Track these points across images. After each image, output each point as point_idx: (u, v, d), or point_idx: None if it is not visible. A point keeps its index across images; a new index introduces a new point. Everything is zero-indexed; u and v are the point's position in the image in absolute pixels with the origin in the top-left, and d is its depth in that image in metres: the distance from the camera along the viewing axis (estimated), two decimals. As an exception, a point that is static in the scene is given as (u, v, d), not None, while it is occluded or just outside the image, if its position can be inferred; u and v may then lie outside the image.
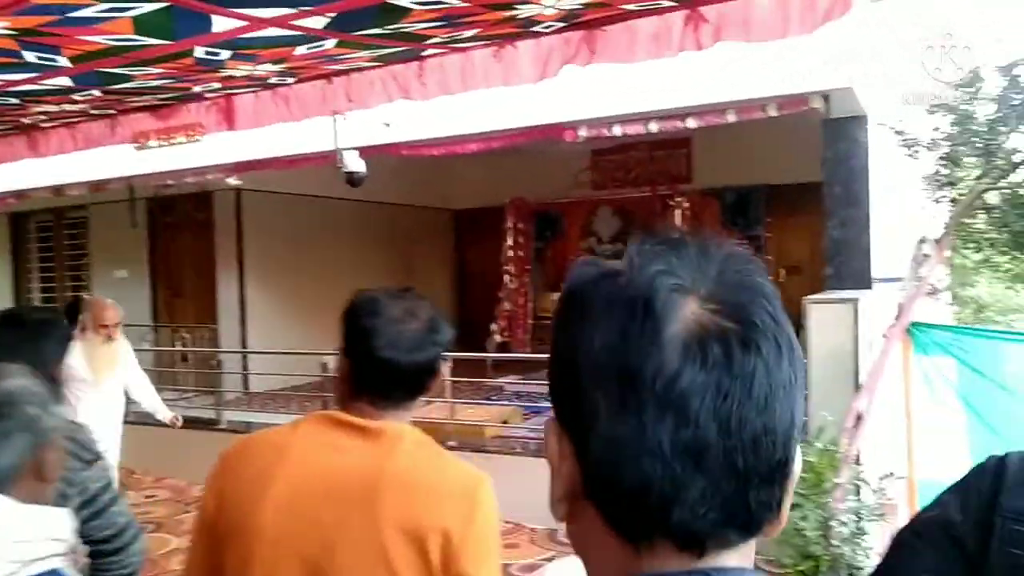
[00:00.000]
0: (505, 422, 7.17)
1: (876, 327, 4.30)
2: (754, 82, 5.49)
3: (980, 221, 4.07)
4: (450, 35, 2.95)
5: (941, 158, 4.10)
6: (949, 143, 4.06)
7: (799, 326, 4.66)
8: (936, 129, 4.14)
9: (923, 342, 3.87)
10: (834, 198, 5.82)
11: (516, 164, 10.17)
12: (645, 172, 10.89)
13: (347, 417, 1.43)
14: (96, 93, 3.61)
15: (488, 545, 1.39)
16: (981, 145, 3.94)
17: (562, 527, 0.64)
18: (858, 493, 3.84)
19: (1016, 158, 3.89)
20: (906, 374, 3.89)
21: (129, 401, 5.06)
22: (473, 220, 12.45)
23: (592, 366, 0.57)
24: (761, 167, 9.67)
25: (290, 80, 3.57)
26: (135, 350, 5.23)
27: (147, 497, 7.00)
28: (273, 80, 3.56)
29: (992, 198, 3.99)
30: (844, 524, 3.69)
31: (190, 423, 5.64)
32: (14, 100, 3.68)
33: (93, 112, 4.09)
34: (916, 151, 4.21)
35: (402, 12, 2.61)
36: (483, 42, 3.07)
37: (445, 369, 1.53)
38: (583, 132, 6.26)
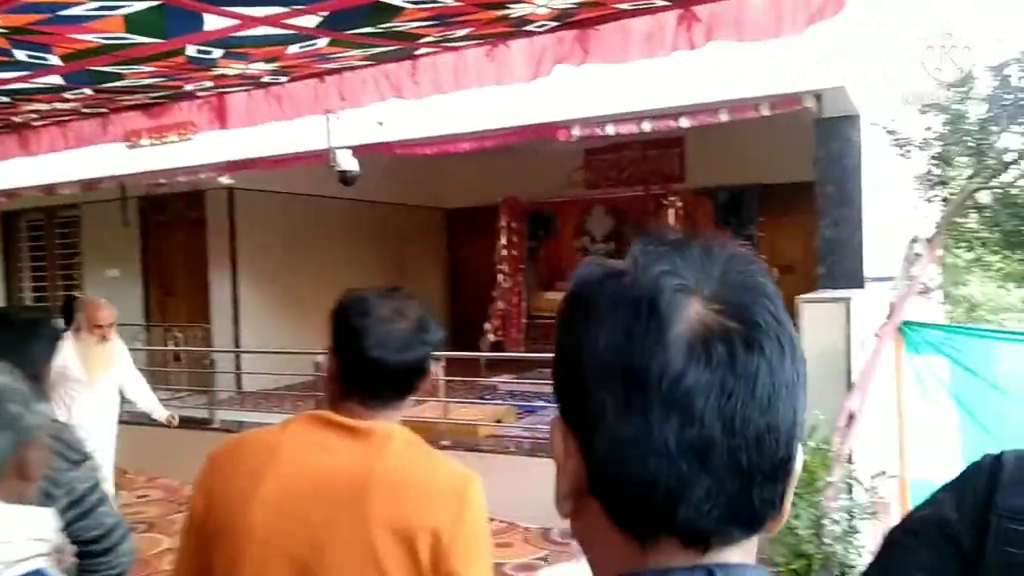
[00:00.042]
0: (499, 421, 7.16)
1: (868, 326, 4.31)
2: (747, 81, 5.49)
3: (972, 220, 4.10)
4: (443, 34, 2.95)
5: (933, 158, 4.12)
6: (941, 143, 4.09)
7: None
8: (928, 129, 4.16)
9: (915, 341, 3.88)
10: (826, 197, 5.82)
11: (509, 163, 10.16)
12: (638, 171, 10.89)
13: (336, 417, 1.43)
14: (87, 92, 3.60)
15: (478, 544, 1.39)
16: (973, 145, 3.96)
17: (557, 525, 0.64)
18: (850, 492, 3.86)
19: (1007, 157, 3.91)
20: (898, 373, 3.91)
21: (124, 401, 5.04)
22: (466, 219, 12.42)
23: (597, 366, 0.57)
24: (754, 166, 9.68)
25: (283, 79, 3.57)
26: (128, 349, 5.21)
27: (139, 497, 6.98)
28: (265, 79, 3.55)
29: (983, 197, 4.01)
30: (836, 523, 3.70)
31: (183, 423, 5.61)
32: (5, 99, 3.66)
33: (85, 111, 4.08)
34: (908, 151, 4.23)
35: (394, 11, 2.60)
36: (476, 41, 3.07)
37: (436, 368, 1.53)
38: (576, 131, 6.26)
